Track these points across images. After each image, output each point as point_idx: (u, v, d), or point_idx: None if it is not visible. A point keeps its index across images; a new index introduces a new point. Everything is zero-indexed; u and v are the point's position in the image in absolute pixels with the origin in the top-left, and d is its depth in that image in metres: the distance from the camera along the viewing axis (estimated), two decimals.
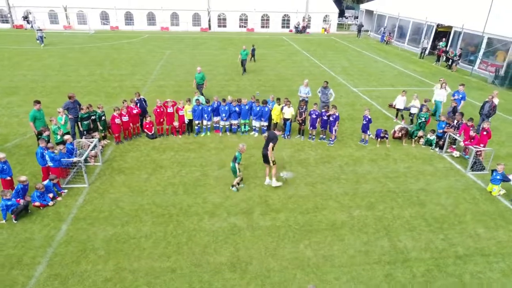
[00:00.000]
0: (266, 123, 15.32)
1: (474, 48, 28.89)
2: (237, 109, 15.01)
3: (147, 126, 14.81)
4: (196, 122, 15.16)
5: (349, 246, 9.22)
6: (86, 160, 11.99)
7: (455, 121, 14.02)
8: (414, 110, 16.19)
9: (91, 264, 8.44)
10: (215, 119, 15.34)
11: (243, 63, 25.16)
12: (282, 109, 14.97)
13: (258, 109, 14.93)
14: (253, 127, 15.50)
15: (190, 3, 44.59)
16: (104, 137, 14.43)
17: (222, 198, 11.06)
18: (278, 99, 15.14)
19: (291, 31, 47.28)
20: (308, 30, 47.13)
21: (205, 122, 15.18)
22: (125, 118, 14.14)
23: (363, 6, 47.73)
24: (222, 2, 45.31)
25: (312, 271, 8.42)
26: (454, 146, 14.24)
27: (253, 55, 28.91)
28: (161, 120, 14.88)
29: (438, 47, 31.16)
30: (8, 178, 10.41)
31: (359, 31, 45.21)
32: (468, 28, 28.76)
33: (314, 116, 14.70)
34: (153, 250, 8.92)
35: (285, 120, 15.03)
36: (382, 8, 42.77)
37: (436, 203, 11.09)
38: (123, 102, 14.59)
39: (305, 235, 9.58)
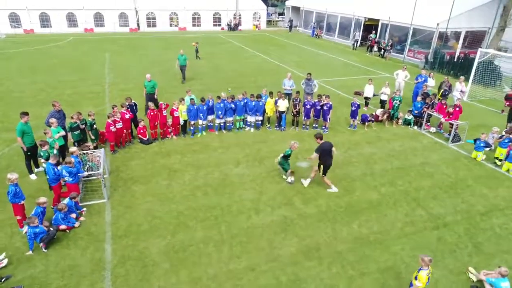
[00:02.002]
0: (261, 118, 15.44)
1: (397, 38, 32.43)
2: (232, 105, 14.84)
3: (141, 131, 13.85)
4: (192, 122, 14.58)
5: (394, 220, 9.98)
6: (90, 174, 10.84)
7: (431, 101, 15.82)
8: (384, 97, 17.73)
9: (163, 279, 7.82)
10: (209, 117, 14.96)
11: (182, 69, 22.05)
12: (276, 102, 15.24)
13: (253, 104, 14.96)
14: (248, 123, 15.46)
15: (115, 2, 41.73)
16: (95, 148, 13.07)
17: (256, 194, 10.98)
18: (271, 93, 15.38)
19: (222, 28, 47.30)
20: (240, 27, 47.63)
21: (200, 122, 14.70)
22: (119, 125, 13.04)
23: (289, 3, 49.80)
24: (150, 0, 43.35)
25: (377, 246, 8.97)
26: (428, 123, 16.07)
27: (197, 52, 28.61)
28: (155, 123, 14.03)
29: (370, 38, 34.20)
30: (22, 202, 8.95)
31: (290, 26, 47.21)
32: (395, 20, 32.16)
33: (308, 106, 15.26)
34: (219, 254, 8.57)
35: (280, 113, 15.34)
36: (309, 5, 45.19)
37: (441, 173, 12.52)
38: (113, 108, 13.39)
39: (352, 216, 10.10)
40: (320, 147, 10.79)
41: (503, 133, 13.40)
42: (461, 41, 29.75)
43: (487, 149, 13.84)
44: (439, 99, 16.35)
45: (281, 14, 58.56)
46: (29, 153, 11.17)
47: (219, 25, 47.38)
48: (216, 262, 8.32)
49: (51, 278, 7.74)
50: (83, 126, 12.58)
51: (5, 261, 8.01)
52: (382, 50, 32.12)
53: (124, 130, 13.40)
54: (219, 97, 14.75)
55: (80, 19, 40.96)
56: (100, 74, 23.66)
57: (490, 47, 28.14)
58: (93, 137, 12.83)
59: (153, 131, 14.14)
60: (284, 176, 11.69)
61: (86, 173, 10.50)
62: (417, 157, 13.60)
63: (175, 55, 23.03)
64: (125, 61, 27.53)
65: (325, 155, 10.83)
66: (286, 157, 11.43)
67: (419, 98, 16.03)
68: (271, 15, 59.19)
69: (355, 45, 35.86)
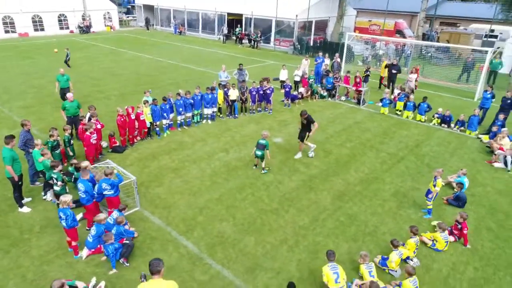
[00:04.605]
0: (216, 109, 16.43)
1: (259, 30, 36.63)
2: (191, 101, 15.36)
3: (113, 140, 13.09)
4: (157, 123, 14.48)
5: (372, 162, 13.14)
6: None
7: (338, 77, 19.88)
8: (297, 78, 20.98)
9: (259, 247, 8.75)
10: (171, 116, 15.09)
11: (63, 93, 16.47)
12: (226, 93, 16.50)
13: (210, 96, 15.82)
14: (205, 115, 16.21)
15: None
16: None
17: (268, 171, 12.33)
18: (220, 84, 16.53)
19: (72, 31, 42.75)
20: (92, 29, 43.94)
21: (164, 121, 14.73)
22: (95, 136, 12.11)
23: (141, 1, 48.50)
24: None
25: (377, 181, 11.90)
26: (338, 94, 20.17)
27: (68, 59, 25.31)
28: (126, 130, 13.44)
29: (238, 32, 37.44)
30: (77, 225, 8.13)
31: (147, 25, 46.33)
32: (258, 14, 36.21)
33: (254, 93, 17.07)
34: (282, 218, 9.89)
35: (232, 101, 16.68)
36: (164, 2, 45.26)
37: (372, 126, 16.49)
38: (80, 120, 12.27)
39: (345, 166, 12.79)
40: (312, 117, 12.74)
41: (398, 90, 18.41)
42: (313, 28, 36.06)
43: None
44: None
45: (127, 13, 56.18)
46: (20, 183, 9.58)
47: (67, 28, 42.60)
48: (286, 224, 9.67)
49: None
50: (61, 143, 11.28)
51: (103, 284, 7.44)
52: (253, 41, 35.83)
53: (98, 142, 12.46)
54: (178, 94, 15.04)
55: None
56: None
57: (335, 32, 35.31)
58: (71, 153, 11.59)
59: (123, 138, 13.49)
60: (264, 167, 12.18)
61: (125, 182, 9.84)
62: (348, 119, 17.30)
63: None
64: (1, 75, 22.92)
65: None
66: (263, 148, 11.90)
67: (331, 74, 19.88)
68: (118, 13, 56.16)
69: (224, 39, 38.58)
